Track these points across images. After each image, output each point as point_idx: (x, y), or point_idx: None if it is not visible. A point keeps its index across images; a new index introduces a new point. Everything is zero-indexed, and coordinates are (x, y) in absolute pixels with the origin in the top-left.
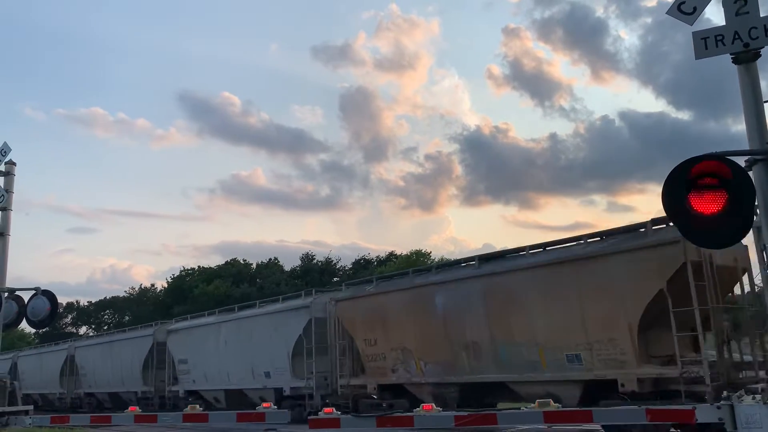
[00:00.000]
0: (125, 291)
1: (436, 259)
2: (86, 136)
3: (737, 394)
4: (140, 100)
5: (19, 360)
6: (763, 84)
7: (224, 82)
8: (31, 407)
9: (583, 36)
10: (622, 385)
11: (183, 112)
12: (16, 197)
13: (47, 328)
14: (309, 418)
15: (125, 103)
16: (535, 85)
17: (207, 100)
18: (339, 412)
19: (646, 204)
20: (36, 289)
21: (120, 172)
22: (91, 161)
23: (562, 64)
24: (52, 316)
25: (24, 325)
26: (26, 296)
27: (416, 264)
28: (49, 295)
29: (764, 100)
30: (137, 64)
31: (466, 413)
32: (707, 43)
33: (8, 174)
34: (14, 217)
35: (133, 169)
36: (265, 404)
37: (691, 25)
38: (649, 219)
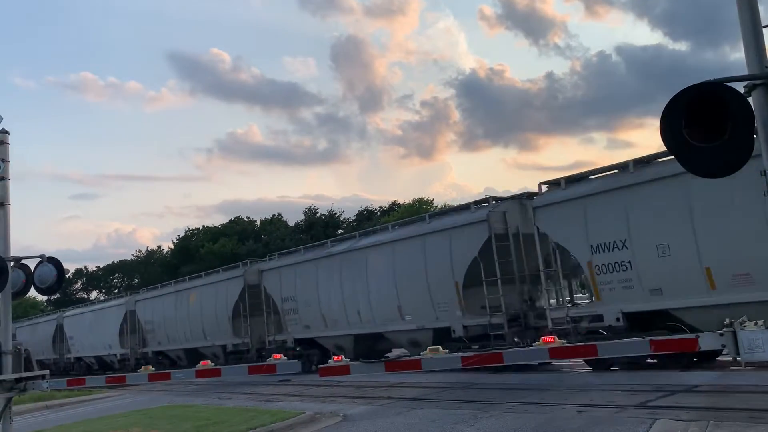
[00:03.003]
0: (132, 254)
1: (439, 206)
2: (78, 102)
3: (740, 320)
4: (130, 63)
5: (65, 321)
6: (761, 8)
7: (212, 38)
8: (47, 372)
9: None
10: None
11: (173, 71)
12: (14, 167)
13: (57, 295)
14: (319, 366)
15: (115, 66)
16: (529, 23)
17: (196, 58)
18: (348, 359)
19: (646, 138)
20: (41, 256)
21: (116, 137)
22: (87, 127)
23: (554, 1)
24: (59, 283)
25: (34, 293)
26: (32, 264)
27: (419, 212)
28: (55, 262)
29: (763, 25)
30: (123, 25)
31: (472, 353)
32: None
33: (2, 143)
34: (14, 186)
35: (129, 132)
36: (275, 356)
37: None
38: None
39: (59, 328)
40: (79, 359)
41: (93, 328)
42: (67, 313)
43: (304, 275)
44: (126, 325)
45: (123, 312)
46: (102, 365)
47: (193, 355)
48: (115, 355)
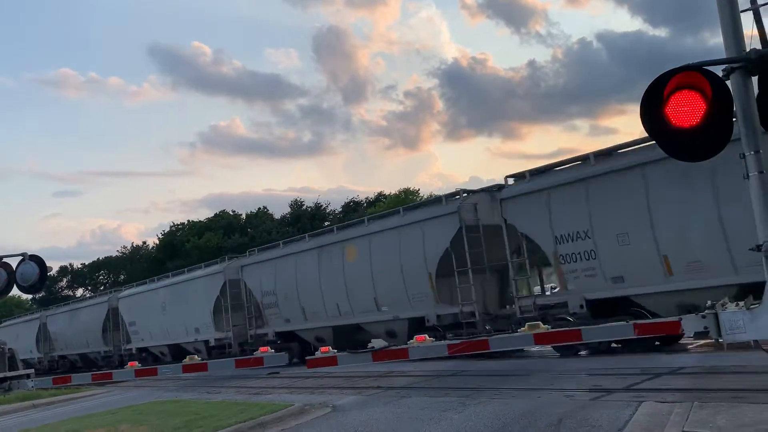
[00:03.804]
0: (117, 250)
1: (425, 197)
2: (59, 98)
3: (720, 302)
4: (110, 58)
5: (120, 303)
6: None
7: (193, 32)
8: (31, 371)
9: None
10: None
11: (154, 66)
12: None
13: (42, 293)
14: (307, 358)
15: (94, 61)
16: (510, 11)
17: (177, 52)
18: (335, 351)
19: (627, 125)
20: (23, 254)
21: (98, 133)
22: (68, 123)
23: None
24: (42, 281)
25: (18, 292)
26: (14, 263)
27: (406, 203)
28: (37, 260)
29: (741, 9)
30: (102, 19)
31: (458, 341)
32: None
33: None
34: None
35: (111, 128)
36: (262, 348)
37: None
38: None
39: (112, 313)
40: (143, 351)
41: (169, 309)
42: (125, 293)
43: (597, 198)
44: (224, 299)
45: (220, 283)
46: (180, 357)
47: (346, 336)
48: (207, 341)
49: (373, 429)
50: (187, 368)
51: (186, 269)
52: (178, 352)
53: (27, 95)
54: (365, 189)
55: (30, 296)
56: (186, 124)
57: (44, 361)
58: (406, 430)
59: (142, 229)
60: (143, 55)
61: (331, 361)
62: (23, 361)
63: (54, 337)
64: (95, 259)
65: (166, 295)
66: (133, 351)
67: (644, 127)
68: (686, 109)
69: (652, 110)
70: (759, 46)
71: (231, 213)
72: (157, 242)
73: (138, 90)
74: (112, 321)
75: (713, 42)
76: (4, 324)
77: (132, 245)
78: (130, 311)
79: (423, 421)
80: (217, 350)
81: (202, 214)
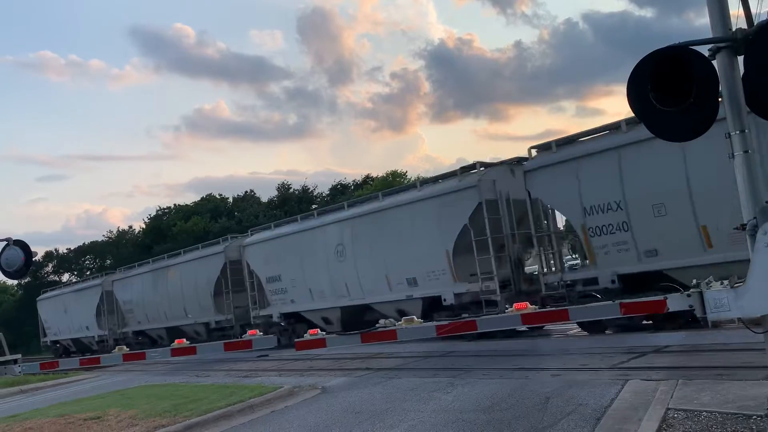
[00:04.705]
0: (103, 235)
1: (413, 179)
2: (40, 82)
3: (706, 281)
4: (90, 40)
5: (249, 251)
6: None
7: (175, 13)
8: (19, 356)
9: None
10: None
11: (136, 48)
12: None
13: (28, 278)
14: (296, 340)
15: (75, 44)
16: None
17: (159, 34)
18: (324, 333)
19: (614, 106)
20: (7, 239)
21: (82, 116)
22: (51, 107)
23: None
24: (27, 266)
25: (2, 278)
26: None
27: (393, 185)
28: (22, 245)
29: None
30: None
31: (446, 322)
32: None
33: None
34: None
35: (94, 111)
36: (251, 331)
37: None
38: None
39: (230, 268)
40: (291, 317)
41: (351, 255)
42: (253, 238)
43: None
44: (474, 231)
45: (472, 204)
46: (359, 324)
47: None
48: (438, 297)
49: (362, 410)
50: (176, 352)
51: (381, 192)
52: (358, 317)
53: (8, 78)
54: (352, 171)
55: (15, 282)
56: (170, 107)
57: (109, 339)
58: (394, 411)
59: (128, 213)
60: (125, 38)
61: (320, 343)
62: (75, 340)
63: (127, 307)
64: (81, 243)
65: (345, 233)
66: (274, 318)
67: (631, 107)
68: (673, 90)
69: (638, 90)
70: (745, 26)
71: (218, 197)
72: (144, 226)
73: (120, 73)
74: (231, 279)
75: (699, 22)
76: (45, 296)
77: (118, 230)
78: (268, 263)
79: (412, 402)
80: (460, 311)
81: (189, 198)
